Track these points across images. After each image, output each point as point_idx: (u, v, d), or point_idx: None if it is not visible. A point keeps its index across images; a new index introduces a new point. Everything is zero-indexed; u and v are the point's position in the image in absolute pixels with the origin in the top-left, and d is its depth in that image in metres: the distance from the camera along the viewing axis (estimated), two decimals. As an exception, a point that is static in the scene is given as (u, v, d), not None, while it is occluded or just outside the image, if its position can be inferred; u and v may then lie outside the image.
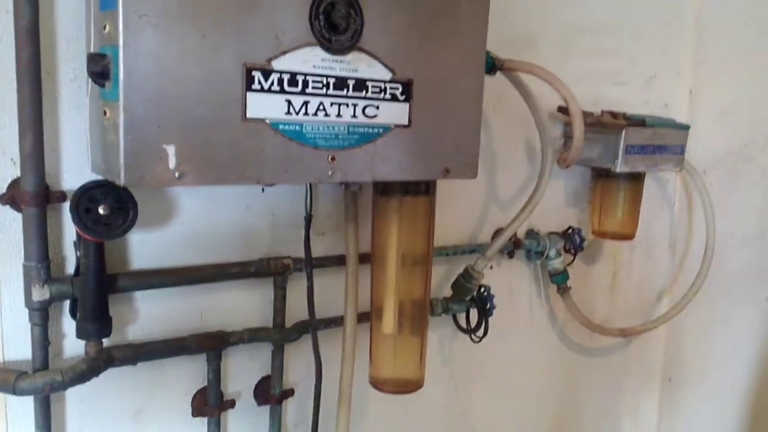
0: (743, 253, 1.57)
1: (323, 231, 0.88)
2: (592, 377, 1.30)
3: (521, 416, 1.21)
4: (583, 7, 1.13)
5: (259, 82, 0.63)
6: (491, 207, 1.06)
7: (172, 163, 0.60)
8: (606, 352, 1.31)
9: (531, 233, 1.11)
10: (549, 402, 1.24)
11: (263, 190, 0.83)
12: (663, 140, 1.11)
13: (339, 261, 0.86)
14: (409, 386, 0.85)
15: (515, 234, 1.07)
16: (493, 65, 0.86)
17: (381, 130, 0.73)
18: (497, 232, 1.04)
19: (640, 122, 1.09)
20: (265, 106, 0.64)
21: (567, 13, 1.10)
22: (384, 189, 0.81)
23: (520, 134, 1.07)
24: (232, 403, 0.83)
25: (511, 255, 1.08)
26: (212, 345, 0.79)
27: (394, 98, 0.73)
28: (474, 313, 1.00)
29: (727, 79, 1.40)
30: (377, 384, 0.85)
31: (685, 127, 1.17)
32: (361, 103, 0.71)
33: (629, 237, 1.16)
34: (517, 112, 1.00)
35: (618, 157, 1.04)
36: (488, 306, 0.98)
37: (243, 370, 0.85)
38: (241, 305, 0.84)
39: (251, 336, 0.82)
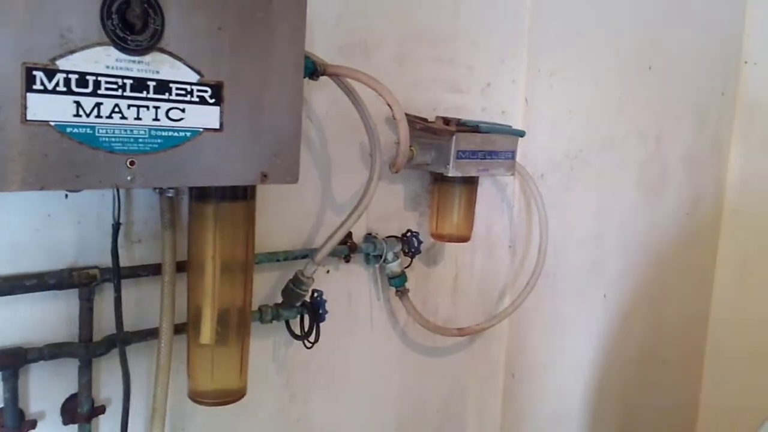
0: (582, 251, 1.71)
1: (139, 239, 0.86)
2: (436, 377, 1.36)
3: (364, 419, 1.24)
4: (419, 16, 1.18)
5: (42, 83, 0.62)
6: (327, 212, 1.09)
7: (-66, 168, 0.57)
8: (449, 351, 1.38)
9: (369, 237, 1.15)
10: (392, 404, 1.29)
11: (66, 196, 0.80)
12: (494, 146, 1.19)
13: (156, 270, 0.85)
14: (229, 397, 0.86)
15: (351, 238, 1.10)
16: (314, 70, 0.88)
17: (188, 134, 0.73)
18: (329, 237, 1.07)
19: (473, 128, 1.16)
20: (49, 107, 0.63)
21: (403, 21, 1.16)
22: (199, 194, 0.81)
23: (356, 138, 1.10)
24: (32, 424, 0.80)
25: (347, 259, 1.11)
26: (6, 363, 0.75)
27: (202, 101, 0.73)
28: (307, 319, 1.02)
29: (563, 87, 1.52)
30: (196, 397, 0.85)
31: (519, 133, 1.26)
32: (164, 106, 0.71)
33: (465, 239, 1.23)
34: (352, 117, 1.03)
35: (449, 161, 1.11)
36: (320, 311, 1.01)
37: (47, 388, 0.82)
38: (45, 319, 0.80)
39: (53, 352, 0.78)
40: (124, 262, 0.83)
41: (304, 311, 1.01)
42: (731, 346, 2.20)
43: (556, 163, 1.55)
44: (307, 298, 1.01)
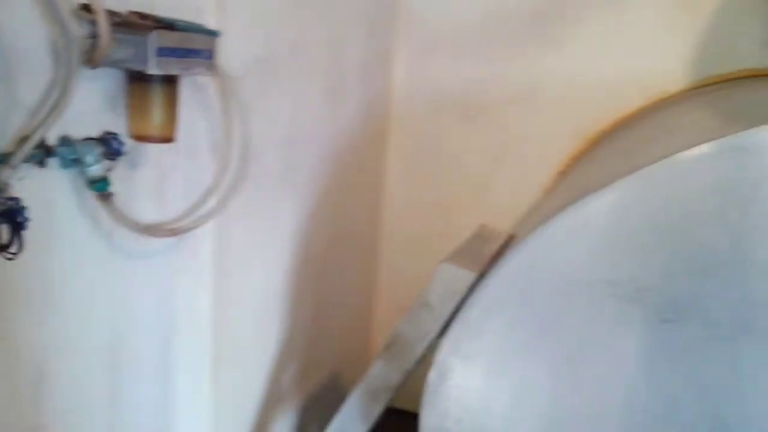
0: (279, 154, 1.84)
1: None
2: (148, 280, 1.38)
3: (78, 331, 1.22)
4: None
5: None
6: (15, 113, 1.00)
7: None
8: (157, 253, 1.40)
9: (65, 140, 1.09)
10: (103, 313, 1.28)
11: None
12: (193, 44, 1.20)
13: None
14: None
15: (44, 141, 1.03)
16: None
17: None
18: (22, 140, 0.99)
19: (170, 25, 1.15)
20: None
21: None
22: None
23: (41, 33, 1.01)
24: None
25: (42, 164, 1.04)
26: None
27: None
28: (4, 229, 0.95)
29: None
30: None
31: (213, 33, 1.29)
32: None
33: (169, 139, 1.24)
34: (36, 10, 0.94)
35: (149, 58, 1.09)
36: (18, 219, 0.95)
37: None
38: None
39: None
40: None
41: (1, 221, 0.94)
42: (401, 228, 2.61)
43: (251, 67, 1.62)
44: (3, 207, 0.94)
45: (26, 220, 0.96)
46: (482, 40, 2.40)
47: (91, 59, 0.98)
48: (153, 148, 1.31)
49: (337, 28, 2.04)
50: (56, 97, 0.93)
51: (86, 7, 1.03)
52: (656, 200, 1.13)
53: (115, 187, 1.18)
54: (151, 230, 1.29)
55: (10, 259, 0.95)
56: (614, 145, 1.93)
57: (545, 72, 2.33)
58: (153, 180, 1.34)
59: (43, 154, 1.03)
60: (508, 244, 1.35)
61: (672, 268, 1.14)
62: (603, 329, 1.18)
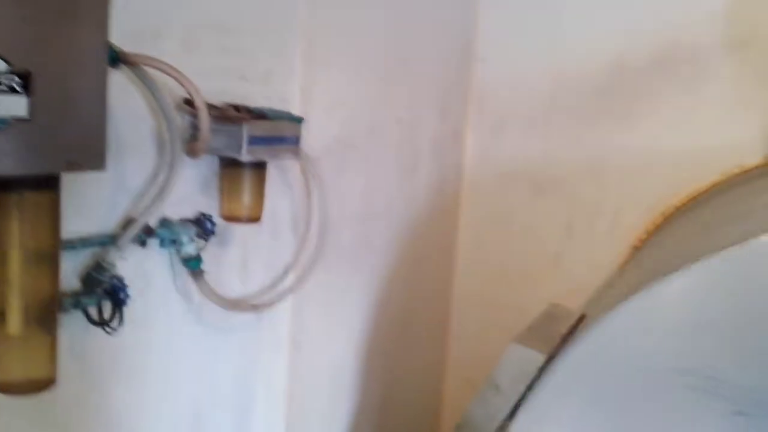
0: (353, 229, 1.92)
1: (-76, 231, 0.83)
2: (230, 353, 1.46)
3: (164, 403, 1.30)
4: (205, 5, 1.25)
5: None
6: (120, 197, 1.12)
7: None
8: (240, 329, 1.48)
9: (163, 221, 1.20)
10: (187, 384, 1.36)
11: None
12: (282, 132, 1.31)
13: (-54, 263, 0.83)
14: (40, 386, 0.87)
15: (147, 223, 1.15)
16: (116, 59, 0.92)
17: (-3, 124, 0.74)
18: (128, 222, 1.11)
19: (261, 115, 1.27)
20: None
21: (189, 10, 1.21)
22: (1, 184, 0.81)
23: (147, 124, 1.14)
24: None
25: (143, 244, 1.15)
26: None
27: (11, 90, 0.74)
28: (107, 305, 1.05)
29: (335, 76, 1.70)
30: (3, 387, 0.85)
31: (298, 120, 1.40)
32: (-29, 94, 0.71)
33: (256, 220, 1.34)
34: (143, 103, 1.07)
35: (242, 147, 1.20)
36: (122, 296, 1.04)
37: None
38: None
39: None
40: None
41: (104, 297, 1.04)
42: (471, 301, 2.62)
43: (329, 147, 1.73)
44: (107, 285, 1.04)
45: (127, 297, 1.05)
46: (552, 115, 2.44)
47: (192, 150, 1.09)
48: (239, 227, 1.41)
49: (412, 107, 2.15)
50: (160, 185, 1.04)
51: (189, 102, 1.16)
52: (736, 285, 1.10)
53: (205, 265, 1.28)
54: (236, 306, 1.37)
55: (110, 333, 1.05)
56: (689, 223, 1.88)
57: (617, 146, 2.32)
58: (238, 257, 1.43)
59: (144, 235, 1.14)
60: (578, 324, 1.35)
61: (749, 358, 1.10)
62: (675, 419, 1.15)
